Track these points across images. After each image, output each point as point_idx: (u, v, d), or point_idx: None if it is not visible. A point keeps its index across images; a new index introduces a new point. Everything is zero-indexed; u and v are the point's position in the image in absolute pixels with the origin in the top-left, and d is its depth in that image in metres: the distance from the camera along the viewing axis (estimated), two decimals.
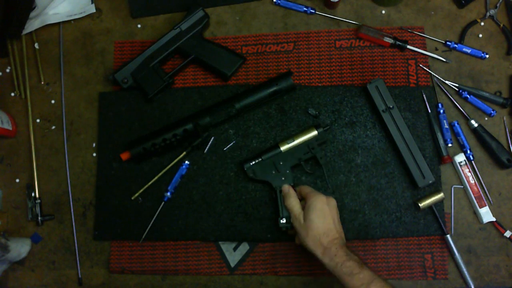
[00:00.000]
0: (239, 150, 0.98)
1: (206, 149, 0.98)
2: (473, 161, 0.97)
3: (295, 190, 0.91)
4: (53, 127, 1.02)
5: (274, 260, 0.96)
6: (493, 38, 1.02)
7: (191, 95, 1.00)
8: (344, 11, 1.04)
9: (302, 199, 0.90)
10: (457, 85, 0.99)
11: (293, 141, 0.94)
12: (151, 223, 0.96)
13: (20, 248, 0.95)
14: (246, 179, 0.95)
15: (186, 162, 0.97)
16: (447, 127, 0.97)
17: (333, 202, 0.86)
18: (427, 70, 1.00)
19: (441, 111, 0.97)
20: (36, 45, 1.04)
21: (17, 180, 1.00)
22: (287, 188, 0.91)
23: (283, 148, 0.93)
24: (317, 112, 0.98)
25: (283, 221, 0.91)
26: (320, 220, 0.83)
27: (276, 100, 0.99)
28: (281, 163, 0.93)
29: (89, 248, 0.98)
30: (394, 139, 0.94)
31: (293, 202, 0.88)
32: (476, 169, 0.96)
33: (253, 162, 0.93)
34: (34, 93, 1.03)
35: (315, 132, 0.94)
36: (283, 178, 0.93)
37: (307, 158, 0.94)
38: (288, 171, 0.93)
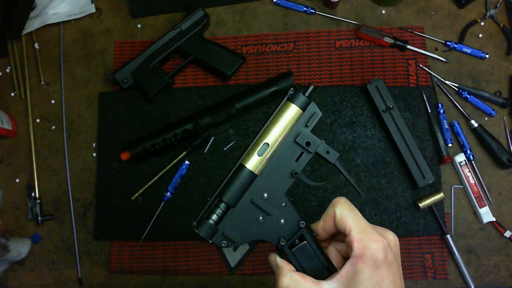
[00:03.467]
0: (239, 150, 0.98)
1: (206, 149, 0.98)
2: (473, 161, 0.97)
3: (311, 231, 0.54)
4: (53, 127, 1.02)
5: None
6: (493, 38, 1.02)
7: (191, 95, 1.01)
8: (344, 11, 1.04)
9: (338, 234, 0.54)
10: (457, 85, 0.99)
11: (267, 146, 0.55)
12: (151, 223, 0.96)
13: (20, 248, 0.95)
14: None
15: (186, 162, 0.97)
16: (447, 127, 0.97)
17: (394, 248, 0.50)
18: (427, 70, 1.00)
19: (441, 111, 0.97)
20: (36, 45, 1.04)
21: (17, 180, 1.00)
22: (274, 262, 0.53)
23: (253, 167, 0.54)
24: None
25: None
26: None
27: (276, 100, 0.99)
28: (266, 195, 0.54)
29: (89, 248, 0.98)
30: (394, 139, 0.94)
31: (293, 286, 0.49)
32: (476, 169, 0.96)
33: (216, 217, 0.54)
34: (34, 93, 1.03)
35: (295, 110, 0.56)
36: (282, 221, 0.54)
37: (306, 164, 0.57)
38: (284, 204, 0.54)
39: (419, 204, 0.93)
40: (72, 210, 0.99)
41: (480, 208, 0.94)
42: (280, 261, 0.52)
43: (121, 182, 0.98)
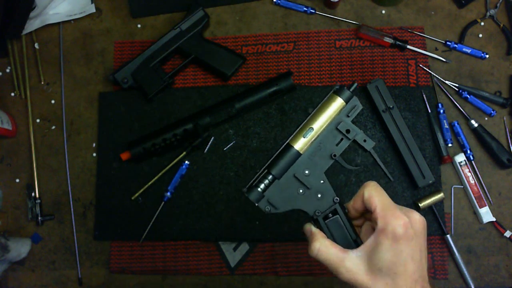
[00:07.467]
0: (239, 150, 0.98)
1: (206, 149, 0.98)
2: (473, 161, 0.97)
3: (343, 207, 0.62)
4: (53, 127, 1.02)
5: (274, 260, 0.96)
6: (493, 38, 1.02)
7: (191, 95, 1.01)
8: (344, 11, 1.04)
9: (367, 212, 0.60)
10: (457, 85, 0.99)
11: (312, 130, 0.62)
12: (151, 223, 0.96)
13: (20, 248, 0.95)
14: (246, 178, 0.95)
15: (186, 162, 0.97)
16: (447, 127, 0.97)
17: (417, 226, 0.54)
18: (427, 70, 1.00)
19: (441, 111, 0.97)
20: (36, 45, 1.04)
21: (17, 180, 1.00)
22: (309, 229, 0.60)
23: (299, 147, 0.62)
24: None
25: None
26: (392, 272, 0.52)
27: (276, 100, 0.99)
28: (307, 172, 0.62)
29: (89, 248, 0.98)
30: (394, 139, 0.94)
31: (324, 250, 0.56)
32: (476, 169, 0.96)
33: (263, 186, 0.62)
34: (34, 93, 1.03)
35: (340, 102, 0.63)
36: (319, 195, 0.62)
37: (344, 149, 0.64)
38: (323, 182, 0.62)
39: (419, 204, 0.93)
40: (72, 210, 0.99)
41: (480, 208, 0.94)
42: (314, 229, 0.59)
43: (121, 182, 0.98)
